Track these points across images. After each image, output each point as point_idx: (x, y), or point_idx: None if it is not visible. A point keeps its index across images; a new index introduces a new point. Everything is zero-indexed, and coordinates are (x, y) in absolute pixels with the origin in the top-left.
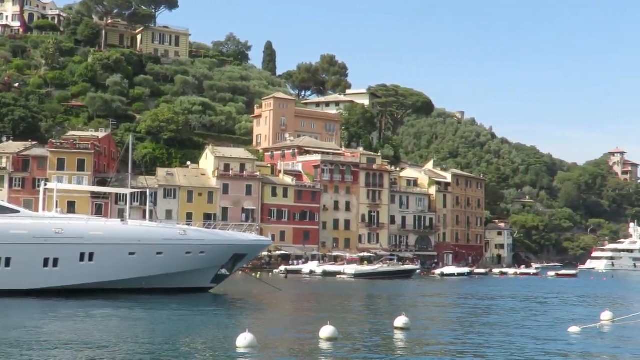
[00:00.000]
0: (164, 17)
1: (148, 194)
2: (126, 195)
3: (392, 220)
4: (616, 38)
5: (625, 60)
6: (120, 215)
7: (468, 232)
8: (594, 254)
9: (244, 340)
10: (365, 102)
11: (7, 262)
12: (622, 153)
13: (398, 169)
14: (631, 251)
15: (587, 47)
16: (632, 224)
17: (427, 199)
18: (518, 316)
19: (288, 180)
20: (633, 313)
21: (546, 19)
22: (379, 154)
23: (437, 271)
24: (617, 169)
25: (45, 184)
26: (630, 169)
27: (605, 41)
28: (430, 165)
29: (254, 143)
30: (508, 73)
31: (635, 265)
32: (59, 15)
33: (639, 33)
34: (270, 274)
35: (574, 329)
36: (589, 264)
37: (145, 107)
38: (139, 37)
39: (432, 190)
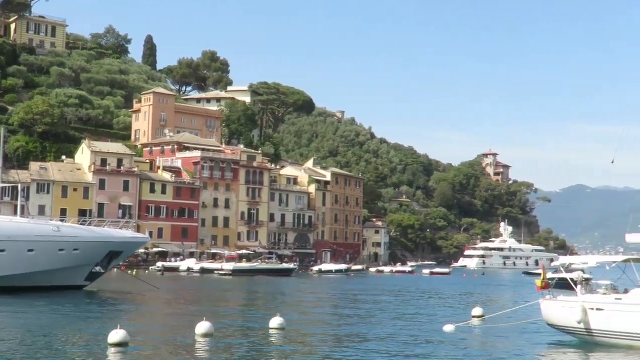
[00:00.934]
0: (40, 7)
1: (20, 188)
2: None
3: (272, 218)
4: (489, 47)
5: (496, 68)
6: None
7: (346, 230)
8: (467, 253)
9: (116, 336)
10: (247, 99)
11: None
12: (494, 155)
13: (278, 167)
14: (501, 250)
15: (464, 53)
16: (502, 224)
17: (307, 197)
18: (394, 314)
19: (167, 176)
20: (501, 310)
21: (427, 21)
22: (260, 152)
23: (316, 268)
24: (490, 170)
25: None
26: (502, 170)
27: (480, 48)
28: (310, 163)
29: (133, 138)
30: (388, 75)
31: (504, 264)
32: None
33: (510, 40)
34: (147, 271)
35: (448, 327)
36: (462, 262)
37: (19, 99)
38: (12, 26)
39: (312, 188)
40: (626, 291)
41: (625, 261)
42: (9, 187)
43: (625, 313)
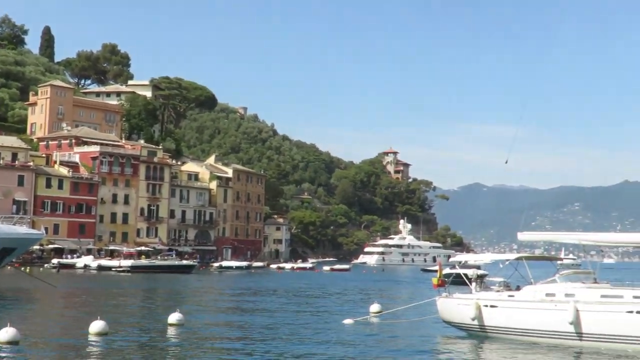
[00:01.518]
0: None
1: None
2: None
3: (172, 214)
4: (390, 48)
5: (399, 67)
6: None
7: (247, 227)
8: (367, 249)
9: (5, 334)
10: (148, 94)
11: None
12: (394, 153)
13: (179, 163)
14: (400, 246)
15: (366, 53)
16: (401, 221)
17: (208, 194)
18: (294, 310)
19: (64, 171)
20: (399, 306)
21: (328, 19)
22: (161, 147)
23: (216, 265)
24: (390, 168)
25: None
26: (402, 168)
27: (381, 50)
28: (211, 160)
29: (28, 132)
30: (291, 72)
31: (403, 260)
32: None
33: (405, 41)
34: (42, 268)
35: (348, 321)
36: (362, 258)
37: None
38: None
39: (213, 185)
40: (518, 288)
41: (518, 259)
42: None
43: (517, 310)
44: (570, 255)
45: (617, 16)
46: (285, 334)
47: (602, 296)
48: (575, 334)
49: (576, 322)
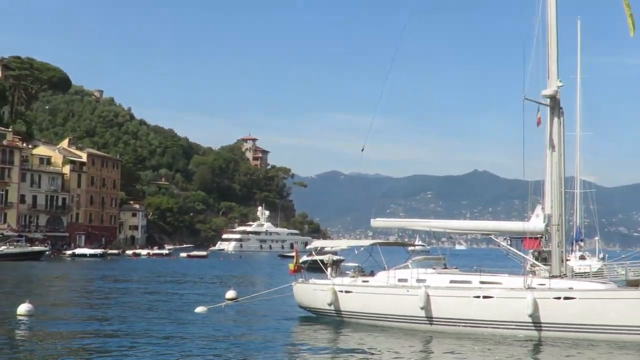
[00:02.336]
0: None
1: None
2: None
3: (22, 199)
4: (245, 36)
5: (257, 53)
6: None
7: (102, 213)
8: (224, 236)
9: None
10: None
11: None
12: (254, 140)
13: (30, 147)
14: (258, 233)
15: (228, 38)
16: (260, 208)
17: (61, 178)
18: (148, 297)
19: None
20: (255, 292)
21: (193, 4)
22: (10, 130)
23: (69, 252)
24: (249, 155)
25: None
26: (261, 155)
27: (236, 37)
28: (65, 143)
29: None
30: (150, 55)
31: (261, 247)
32: None
33: (267, 25)
34: None
35: (200, 309)
36: (219, 245)
37: None
38: None
39: (66, 169)
40: (372, 273)
41: (372, 245)
42: None
43: (371, 295)
44: (420, 242)
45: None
46: (137, 321)
47: (451, 281)
48: (426, 319)
49: (427, 307)
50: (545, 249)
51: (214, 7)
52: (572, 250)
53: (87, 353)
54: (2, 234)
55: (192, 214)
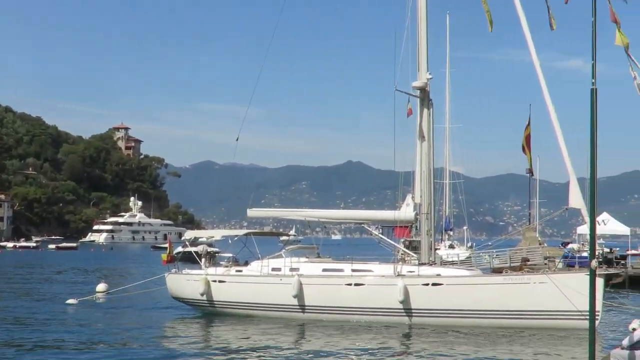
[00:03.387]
0: None
1: None
2: None
3: None
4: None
5: (140, 44)
6: None
7: None
8: (95, 227)
9: None
10: None
11: None
12: (126, 129)
13: None
14: (130, 224)
15: (111, 30)
16: (132, 198)
17: None
18: (15, 291)
19: None
20: (127, 284)
21: None
22: None
23: None
24: (121, 144)
25: None
26: (133, 144)
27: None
28: None
29: None
30: (12, 40)
31: (134, 238)
32: None
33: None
34: None
35: (71, 301)
36: (90, 236)
37: None
38: None
39: None
40: (246, 263)
41: (247, 234)
42: None
43: (244, 284)
44: (294, 232)
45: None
46: (7, 319)
47: (324, 270)
48: (299, 307)
49: (300, 295)
50: (415, 239)
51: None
52: (441, 240)
53: None
54: None
55: (61, 204)
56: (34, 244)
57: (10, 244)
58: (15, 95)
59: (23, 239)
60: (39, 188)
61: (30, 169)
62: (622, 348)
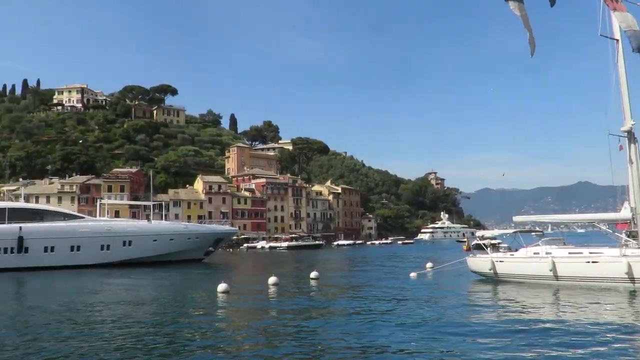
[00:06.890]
0: (169, 99)
1: (163, 204)
2: (150, 205)
3: (308, 215)
4: None
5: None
6: (147, 218)
7: (352, 221)
8: (422, 231)
9: (222, 287)
10: (290, 147)
11: (78, 248)
12: (435, 173)
13: (310, 185)
14: (442, 228)
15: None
16: (442, 213)
17: (328, 203)
18: (381, 267)
19: (247, 194)
20: (444, 263)
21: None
22: (299, 177)
23: (334, 244)
24: (433, 181)
25: (100, 201)
26: (440, 181)
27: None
28: (328, 183)
29: (226, 172)
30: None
31: (445, 236)
32: (105, 99)
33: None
34: (238, 249)
35: (412, 274)
36: (420, 236)
37: (160, 153)
38: (154, 111)
39: (331, 197)
40: (516, 250)
41: (515, 232)
42: (157, 203)
43: (516, 263)
44: (549, 230)
45: None
46: (374, 281)
47: (570, 252)
48: (553, 277)
49: (553, 270)
50: (633, 230)
51: None
52: None
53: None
54: (299, 235)
55: (402, 218)
56: (389, 242)
57: (377, 242)
58: (378, 158)
59: (383, 239)
60: (389, 210)
61: (384, 200)
62: None
